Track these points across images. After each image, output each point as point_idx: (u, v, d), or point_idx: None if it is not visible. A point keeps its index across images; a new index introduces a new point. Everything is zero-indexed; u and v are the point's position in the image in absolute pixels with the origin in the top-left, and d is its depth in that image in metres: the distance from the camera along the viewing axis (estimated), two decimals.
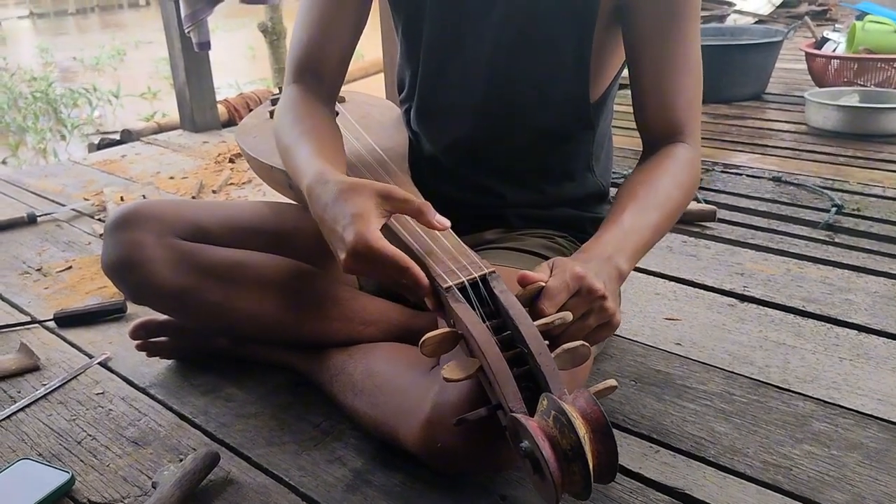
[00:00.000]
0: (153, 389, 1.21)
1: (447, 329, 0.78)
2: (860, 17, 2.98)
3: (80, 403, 1.18)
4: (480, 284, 0.82)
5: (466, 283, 0.81)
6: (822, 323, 1.33)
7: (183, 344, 1.25)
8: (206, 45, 2.61)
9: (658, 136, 1.06)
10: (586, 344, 0.76)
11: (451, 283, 0.81)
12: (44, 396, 1.20)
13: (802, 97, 2.64)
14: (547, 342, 0.75)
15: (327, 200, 0.86)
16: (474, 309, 0.78)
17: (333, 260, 1.19)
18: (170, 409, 1.15)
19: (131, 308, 1.46)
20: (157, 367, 1.26)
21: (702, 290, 1.47)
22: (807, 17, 3.32)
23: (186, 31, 2.58)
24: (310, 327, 1.13)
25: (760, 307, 1.40)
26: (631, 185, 1.00)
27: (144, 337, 1.24)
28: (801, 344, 1.26)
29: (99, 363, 1.28)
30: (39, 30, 12.76)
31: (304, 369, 1.18)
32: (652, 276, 1.53)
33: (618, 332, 1.30)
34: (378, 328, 1.15)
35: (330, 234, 0.86)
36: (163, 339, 1.25)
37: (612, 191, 1.19)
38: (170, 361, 1.27)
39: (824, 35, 2.91)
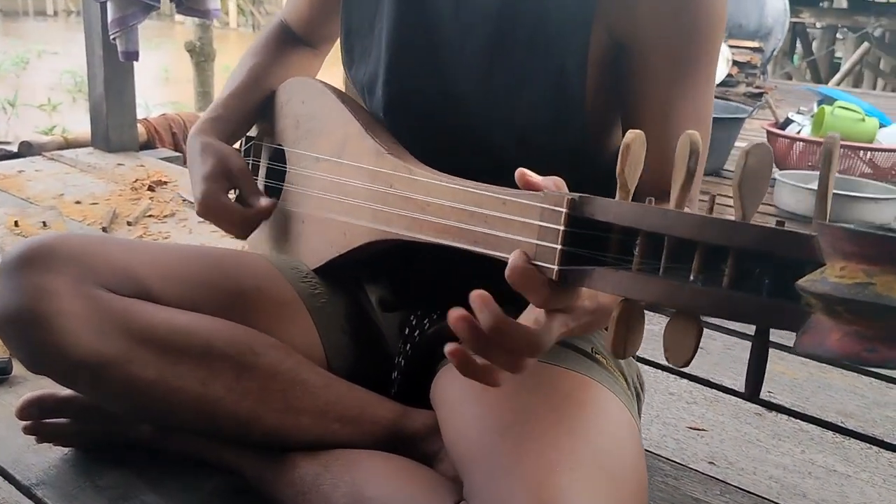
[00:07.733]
0: (41, 490, 0.91)
1: (618, 308, 0.52)
2: (822, 101, 2.94)
3: None
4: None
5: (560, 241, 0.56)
6: (868, 445, 1.14)
7: (89, 429, 0.95)
8: (133, 56, 2.30)
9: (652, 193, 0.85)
10: None
11: (559, 246, 0.56)
12: None
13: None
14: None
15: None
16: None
17: (303, 329, 0.94)
18: None
19: (17, 369, 1.13)
20: (48, 457, 0.96)
21: (720, 393, 1.26)
22: (767, 97, 3.26)
23: (112, 36, 2.27)
24: (271, 421, 0.87)
25: (793, 420, 1.20)
26: None
27: (37, 417, 0.94)
28: (854, 472, 1.07)
29: None
30: None
31: (254, 476, 0.90)
32: (661, 371, 1.31)
33: None
34: (357, 429, 0.89)
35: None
36: (62, 420, 0.95)
37: None
38: (67, 450, 0.97)
39: (788, 116, 2.84)
